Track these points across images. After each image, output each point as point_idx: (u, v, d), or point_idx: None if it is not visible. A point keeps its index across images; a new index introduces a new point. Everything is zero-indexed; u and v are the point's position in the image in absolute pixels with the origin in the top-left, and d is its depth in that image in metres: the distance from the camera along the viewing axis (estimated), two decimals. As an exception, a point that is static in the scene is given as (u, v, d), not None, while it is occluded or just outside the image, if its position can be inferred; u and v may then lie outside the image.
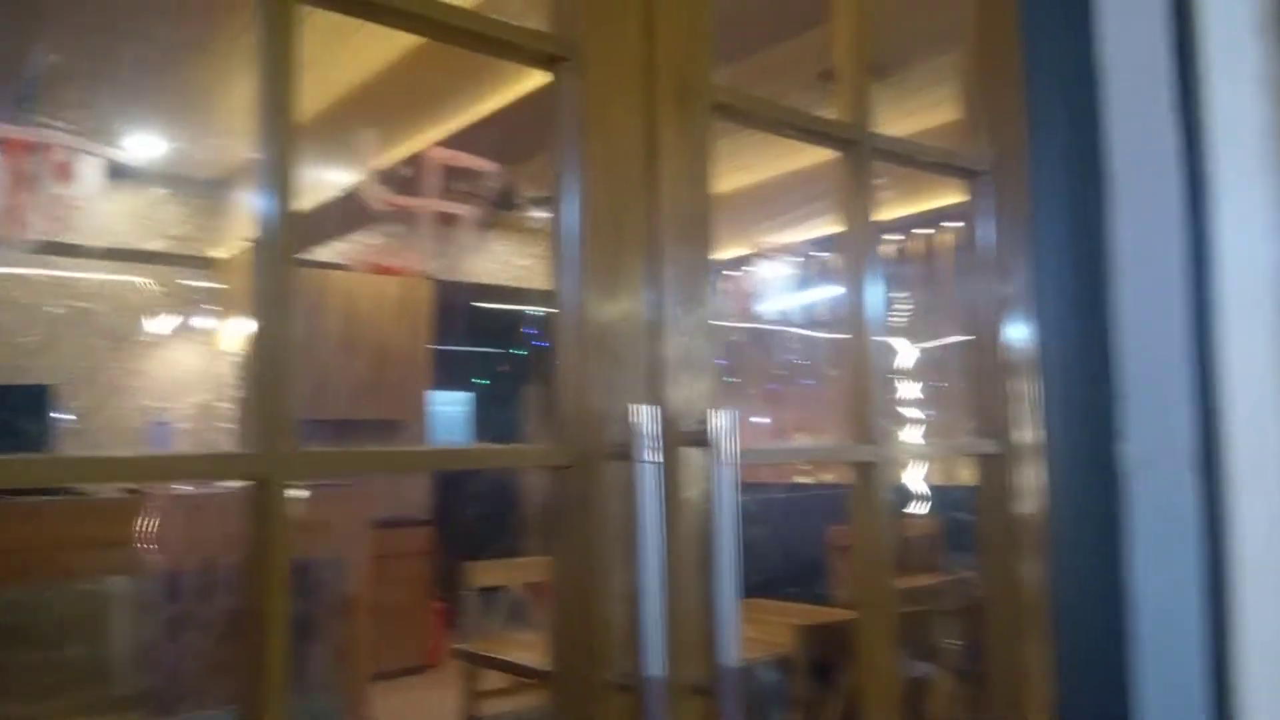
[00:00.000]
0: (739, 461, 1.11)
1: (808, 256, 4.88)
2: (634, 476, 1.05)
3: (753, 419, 5.93)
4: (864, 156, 1.60)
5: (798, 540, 3.21)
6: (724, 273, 5.44)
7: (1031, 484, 1.81)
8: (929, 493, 3.74)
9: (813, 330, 5.25)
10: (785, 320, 5.23)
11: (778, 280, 5.09)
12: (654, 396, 1.16)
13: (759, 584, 3.60)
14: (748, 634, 3.19)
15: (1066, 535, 1.82)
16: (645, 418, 1.08)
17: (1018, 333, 1.84)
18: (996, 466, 1.81)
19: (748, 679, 2.65)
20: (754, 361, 5.56)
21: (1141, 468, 1.88)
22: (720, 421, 1.11)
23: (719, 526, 1.09)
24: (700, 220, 1.28)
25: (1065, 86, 1.98)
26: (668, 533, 1.07)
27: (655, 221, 1.22)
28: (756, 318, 5.33)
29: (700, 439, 1.13)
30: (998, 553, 1.80)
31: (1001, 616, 1.78)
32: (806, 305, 4.92)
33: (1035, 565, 1.78)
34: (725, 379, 5.42)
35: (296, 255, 1.00)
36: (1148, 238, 1.95)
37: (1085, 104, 1.98)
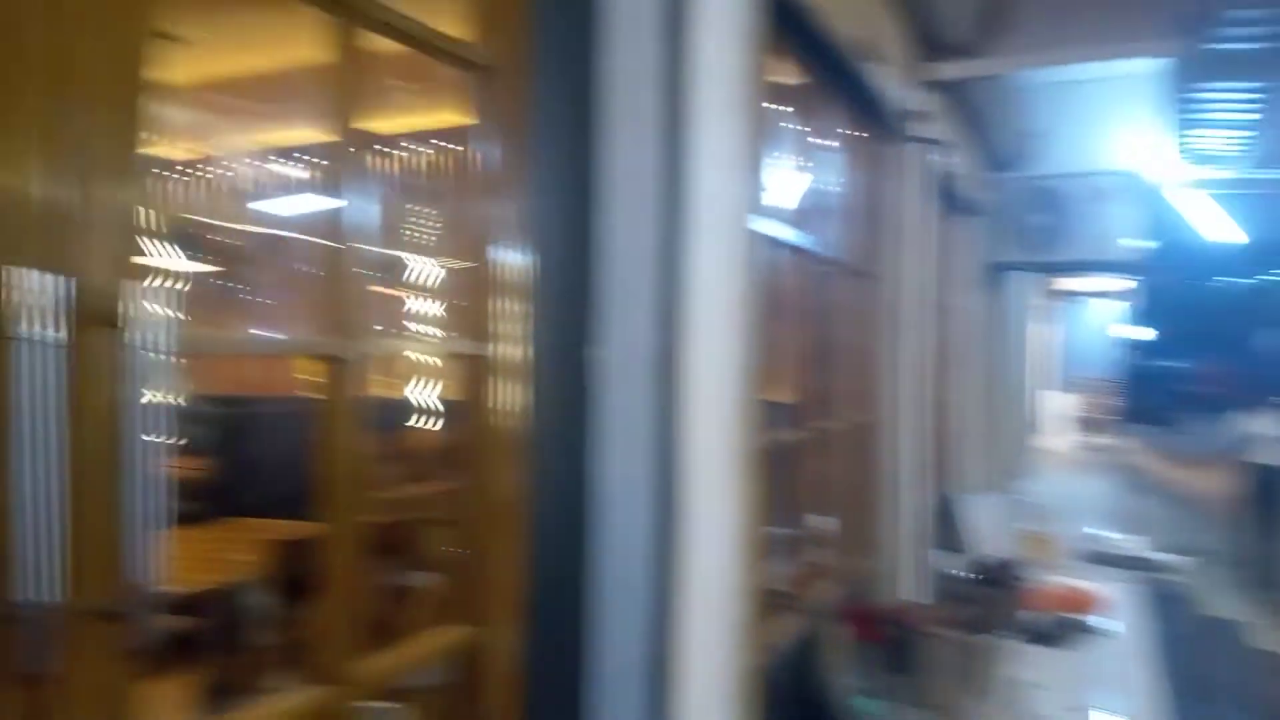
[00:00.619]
0: (171, 349, 0.95)
1: (303, 159, 4.55)
2: (15, 358, 0.83)
3: (255, 330, 5.49)
4: (356, 20, 1.46)
5: (288, 454, 3.02)
6: (208, 168, 4.88)
7: (518, 394, 1.85)
8: (433, 405, 3.75)
9: (309, 235, 4.93)
10: (284, 224, 4.84)
11: (272, 181, 4.69)
12: (58, 267, 0.93)
13: (242, 500, 3.35)
14: (223, 554, 2.97)
15: (546, 438, 1.90)
16: (37, 286, 0.86)
17: (513, 247, 1.86)
18: (485, 374, 1.82)
19: (219, 600, 2.45)
20: (251, 266, 5.10)
21: (612, 372, 2.02)
22: (143, 298, 0.93)
23: (137, 423, 0.92)
24: (127, 69, 1.04)
25: (569, 10, 2.01)
26: (72, 430, 0.88)
27: (57, 65, 0.97)
28: (249, 220, 4.87)
29: (116, 317, 0.93)
30: (485, 459, 1.82)
31: (486, 519, 1.81)
32: (305, 210, 4.60)
33: (517, 470, 1.84)
34: (214, 282, 4.91)
35: None
36: (633, 164, 2.08)
37: (588, 33, 2.03)
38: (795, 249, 3.37)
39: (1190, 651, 4.73)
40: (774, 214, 3.11)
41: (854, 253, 4.16)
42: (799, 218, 3.42)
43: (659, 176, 2.06)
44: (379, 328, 1.89)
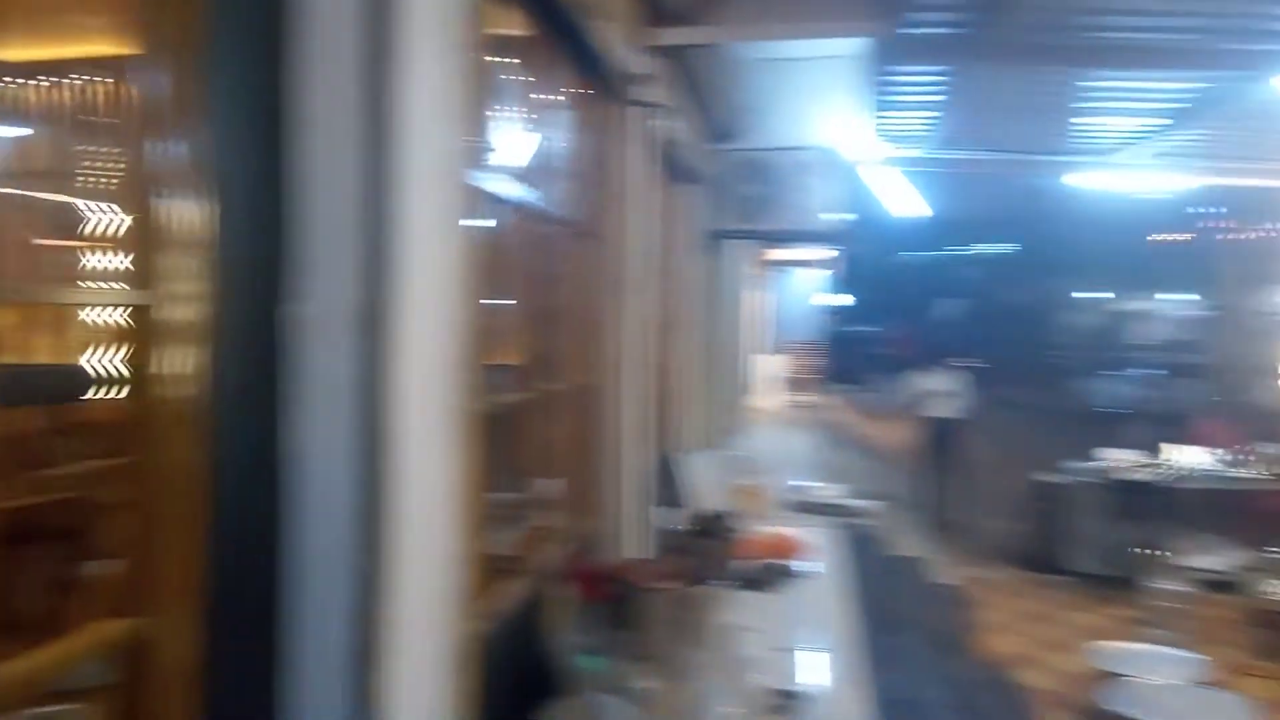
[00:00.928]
0: None
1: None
2: None
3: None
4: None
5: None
6: None
7: (196, 358, 1.63)
8: (103, 371, 3.30)
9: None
10: None
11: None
12: None
13: None
14: None
15: (232, 404, 1.69)
16: None
17: (188, 192, 1.63)
18: (156, 337, 1.58)
19: None
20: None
21: (312, 331, 1.84)
22: None
23: None
24: None
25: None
26: None
27: None
28: None
29: None
30: (157, 430, 1.59)
31: (157, 497, 1.59)
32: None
33: (195, 441, 1.63)
34: None
35: None
36: (334, 102, 1.88)
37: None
38: (519, 207, 3.28)
39: (881, 587, 5.22)
40: (497, 169, 3.00)
41: (579, 214, 4.14)
42: (523, 175, 3.33)
43: (363, 117, 1.89)
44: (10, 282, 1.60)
